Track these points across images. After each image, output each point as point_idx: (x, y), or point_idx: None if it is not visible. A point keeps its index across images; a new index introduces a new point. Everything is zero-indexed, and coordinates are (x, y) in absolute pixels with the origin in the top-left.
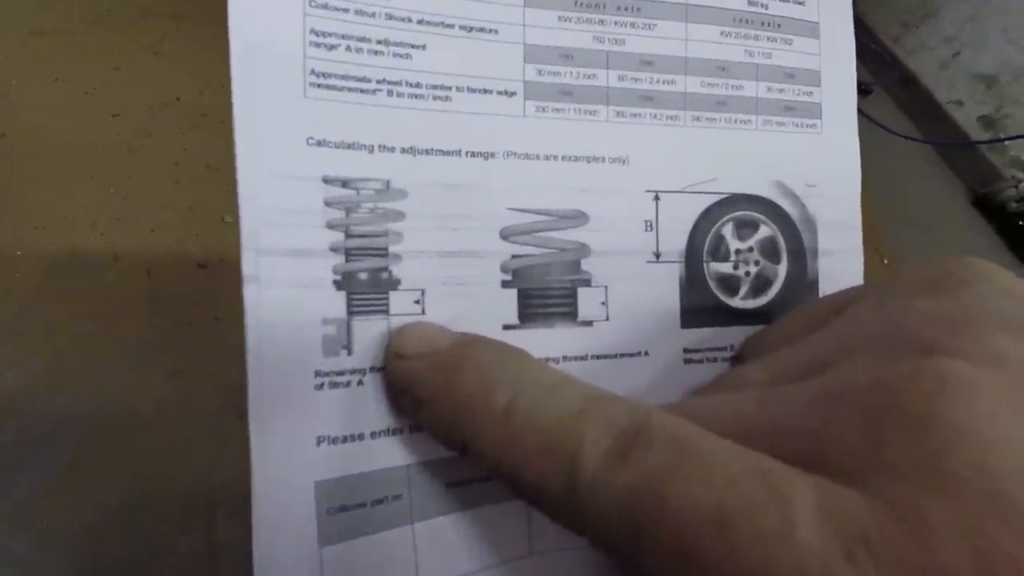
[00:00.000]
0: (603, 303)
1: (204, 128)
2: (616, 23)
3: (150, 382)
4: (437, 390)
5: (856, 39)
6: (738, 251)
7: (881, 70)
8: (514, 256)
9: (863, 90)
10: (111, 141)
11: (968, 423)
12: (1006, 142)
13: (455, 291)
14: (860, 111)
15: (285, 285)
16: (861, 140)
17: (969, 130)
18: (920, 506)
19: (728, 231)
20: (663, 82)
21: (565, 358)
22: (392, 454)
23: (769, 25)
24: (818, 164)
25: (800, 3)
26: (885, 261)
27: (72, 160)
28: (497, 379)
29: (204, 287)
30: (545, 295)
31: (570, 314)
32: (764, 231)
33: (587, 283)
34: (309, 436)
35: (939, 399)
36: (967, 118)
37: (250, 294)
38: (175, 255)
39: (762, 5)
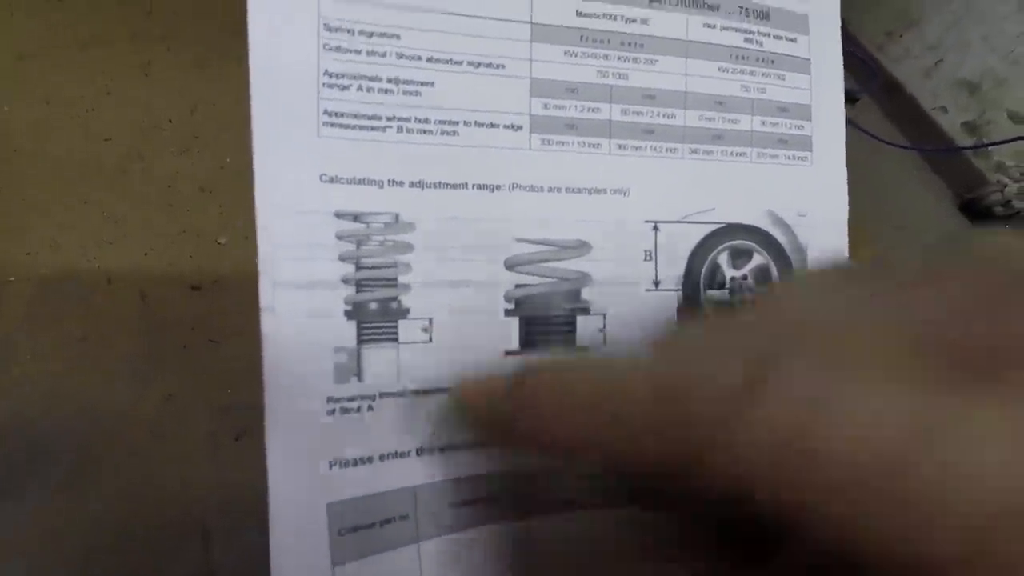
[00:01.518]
0: (601, 330)
1: (196, 150)
2: (620, 58)
3: (144, 406)
4: (514, 411)
5: (842, 49)
6: (733, 279)
7: (867, 78)
8: (517, 286)
9: (849, 98)
10: (102, 164)
11: None
12: (990, 148)
13: (460, 320)
14: (847, 119)
15: (299, 315)
16: (848, 147)
17: (954, 136)
18: None
19: (724, 260)
20: (663, 116)
21: None
22: (399, 476)
23: (764, 61)
24: (808, 194)
25: (792, 40)
26: None
27: (63, 184)
28: (572, 368)
29: (198, 310)
30: (546, 323)
31: (569, 340)
32: (757, 259)
33: (586, 311)
34: (322, 459)
35: None
36: (951, 124)
37: (267, 324)
38: (168, 278)
39: (757, 42)
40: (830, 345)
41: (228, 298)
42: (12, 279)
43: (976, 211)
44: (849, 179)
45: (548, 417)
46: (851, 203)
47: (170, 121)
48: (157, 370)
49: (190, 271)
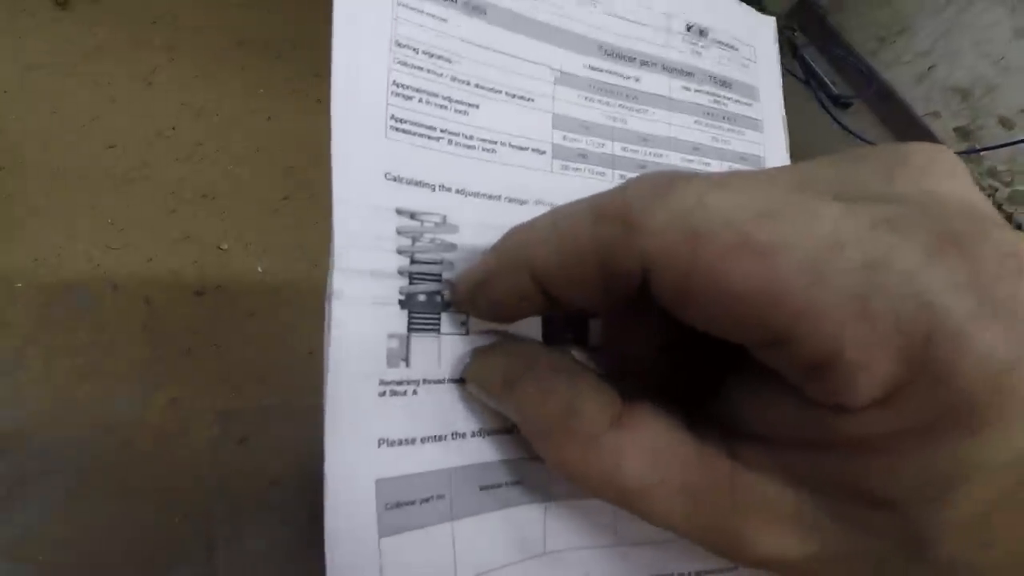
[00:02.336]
0: None
1: (199, 157)
2: (621, 107)
3: (149, 411)
4: (493, 258)
5: (834, 54)
6: None
7: (860, 84)
8: None
9: (843, 103)
10: (108, 172)
11: (954, 172)
12: (982, 152)
13: None
14: (840, 124)
15: (363, 301)
16: (840, 151)
17: (946, 141)
18: (925, 209)
19: None
20: (654, 155)
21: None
22: (437, 458)
23: (727, 119)
24: None
25: (748, 104)
26: None
27: (70, 192)
28: (535, 221)
29: (202, 315)
30: (564, 322)
31: (582, 337)
32: None
33: (597, 313)
34: (372, 438)
35: (934, 157)
36: (944, 129)
37: (337, 308)
38: (172, 284)
39: (723, 104)
40: (719, 177)
41: (231, 303)
42: (19, 285)
43: None
44: None
45: (521, 248)
46: None
47: (173, 129)
48: (162, 375)
49: (193, 277)
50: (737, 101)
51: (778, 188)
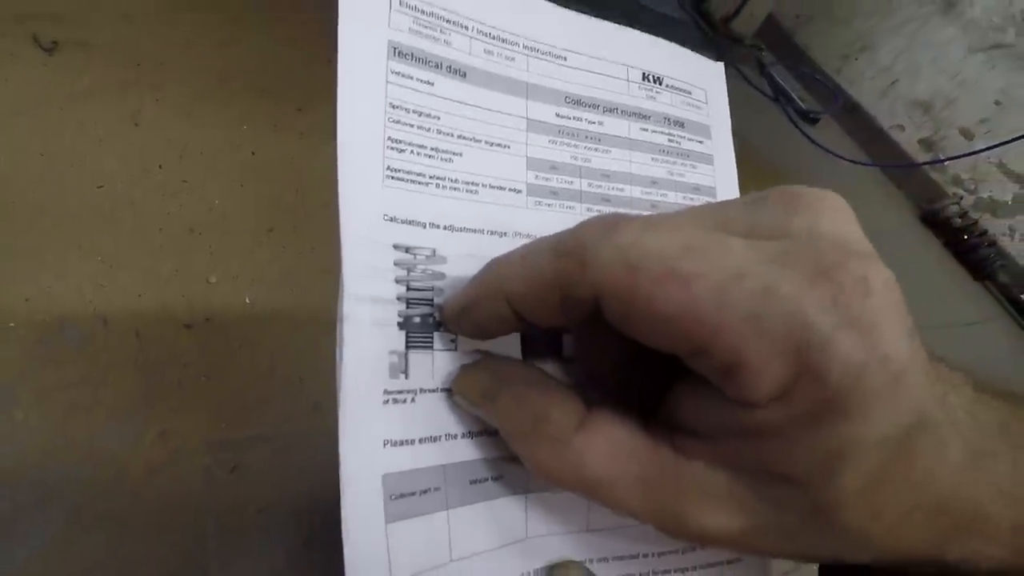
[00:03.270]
0: None
1: (185, 194)
2: (586, 148)
3: (141, 444)
4: (473, 288)
5: (801, 71)
6: None
7: (827, 100)
8: None
9: (811, 119)
10: (96, 211)
11: (835, 215)
12: (946, 163)
13: None
14: (809, 138)
15: (367, 323)
16: (812, 166)
17: (911, 152)
18: (808, 244)
19: None
20: (616, 189)
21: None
22: (433, 456)
23: (682, 155)
24: None
25: (700, 142)
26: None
27: (59, 231)
28: (510, 255)
29: (191, 347)
30: (540, 338)
31: (557, 351)
32: None
33: (568, 329)
34: (379, 439)
35: (820, 202)
36: (909, 141)
37: (347, 329)
38: (162, 317)
39: (677, 142)
40: (654, 220)
41: (219, 335)
42: (12, 325)
43: (936, 222)
44: None
45: (497, 279)
46: None
47: (160, 167)
48: (153, 408)
49: (182, 310)
50: (690, 139)
51: (699, 228)
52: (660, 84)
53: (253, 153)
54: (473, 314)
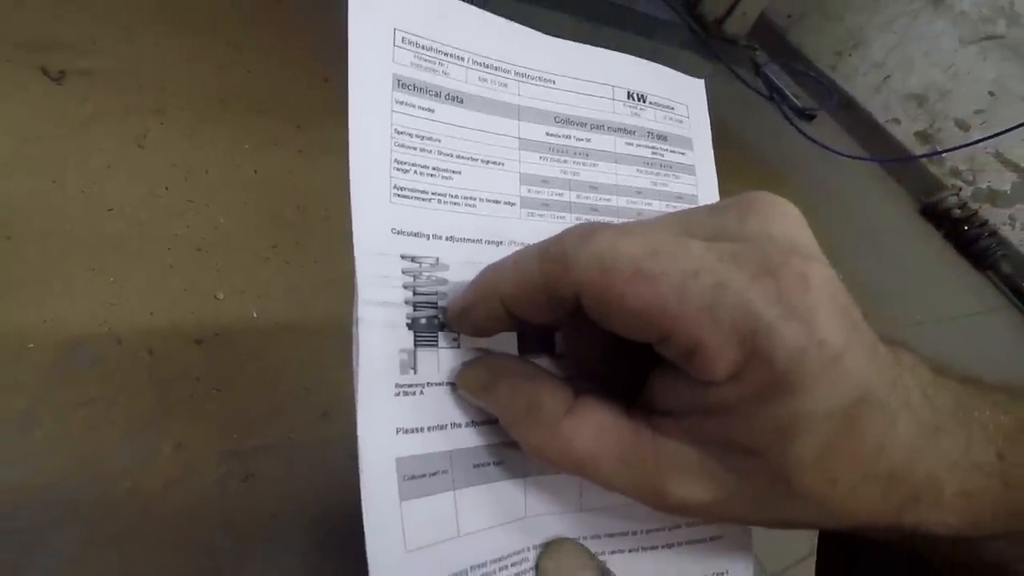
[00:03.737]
0: None
1: (191, 214)
2: (574, 162)
3: (157, 456)
4: (471, 291)
5: (796, 69)
6: None
7: (822, 96)
8: None
9: (808, 115)
10: (107, 234)
11: (784, 219)
12: (943, 154)
13: None
14: (805, 135)
15: (379, 325)
16: (810, 163)
17: (908, 145)
18: (757, 245)
19: None
20: (603, 200)
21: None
22: (440, 442)
23: (665, 166)
24: None
25: (682, 154)
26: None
27: (73, 255)
28: (503, 259)
29: (202, 362)
30: (535, 336)
31: (550, 348)
32: None
33: (559, 327)
34: (392, 427)
35: (770, 207)
36: (905, 134)
37: (362, 330)
38: (173, 334)
39: (660, 154)
40: (627, 227)
41: (228, 349)
42: (31, 346)
43: (935, 214)
44: (814, 193)
45: (492, 283)
46: (818, 214)
47: (166, 188)
48: (167, 422)
49: (192, 326)
50: (673, 151)
51: (666, 233)
52: (644, 101)
53: (255, 171)
54: (472, 315)
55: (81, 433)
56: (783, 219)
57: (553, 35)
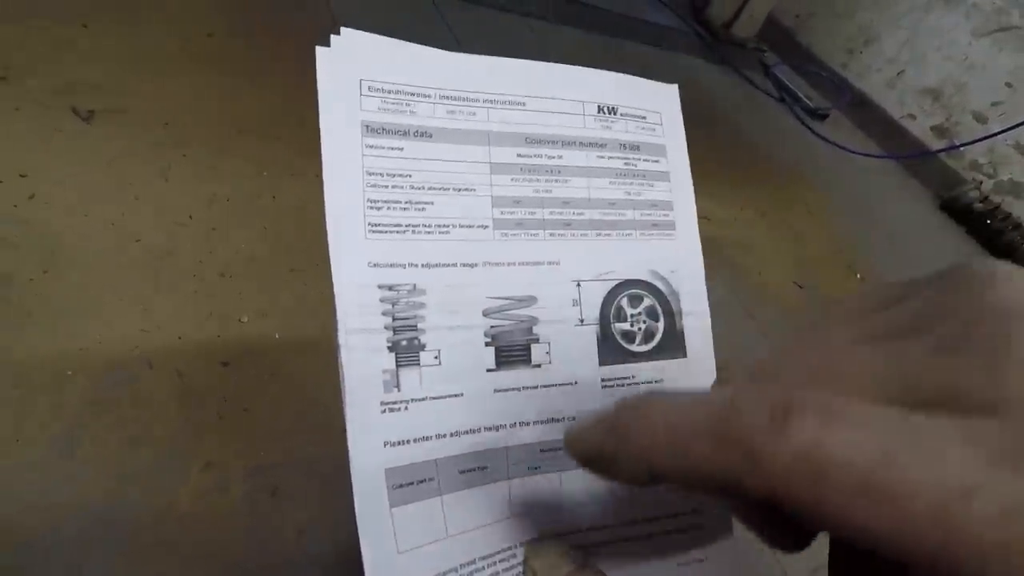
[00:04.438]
0: (547, 353)
1: (215, 241)
2: (546, 180)
3: (189, 473)
4: (616, 447)
5: (807, 69)
6: (632, 315)
7: (834, 95)
8: (492, 326)
9: (820, 115)
10: (137, 264)
11: None
12: (962, 148)
13: (457, 349)
14: (819, 135)
15: (360, 349)
16: (826, 163)
17: (925, 140)
18: None
19: (625, 303)
20: (576, 214)
21: (525, 387)
22: (426, 452)
23: (638, 176)
24: (675, 258)
25: (656, 161)
26: (859, 276)
27: (105, 285)
28: (651, 411)
29: (229, 382)
30: (511, 350)
31: (526, 360)
32: (647, 301)
33: (536, 340)
34: (380, 441)
35: None
36: (921, 129)
37: (344, 355)
38: (201, 357)
39: (633, 164)
40: (833, 406)
41: (253, 369)
42: (69, 373)
43: (957, 209)
44: (831, 193)
45: (640, 449)
46: (837, 215)
47: (190, 217)
48: (197, 441)
49: (219, 349)
50: (646, 160)
51: (889, 420)
52: (615, 114)
53: (274, 197)
54: (605, 469)
55: (117, 453)
56: None
57: (564, 49)
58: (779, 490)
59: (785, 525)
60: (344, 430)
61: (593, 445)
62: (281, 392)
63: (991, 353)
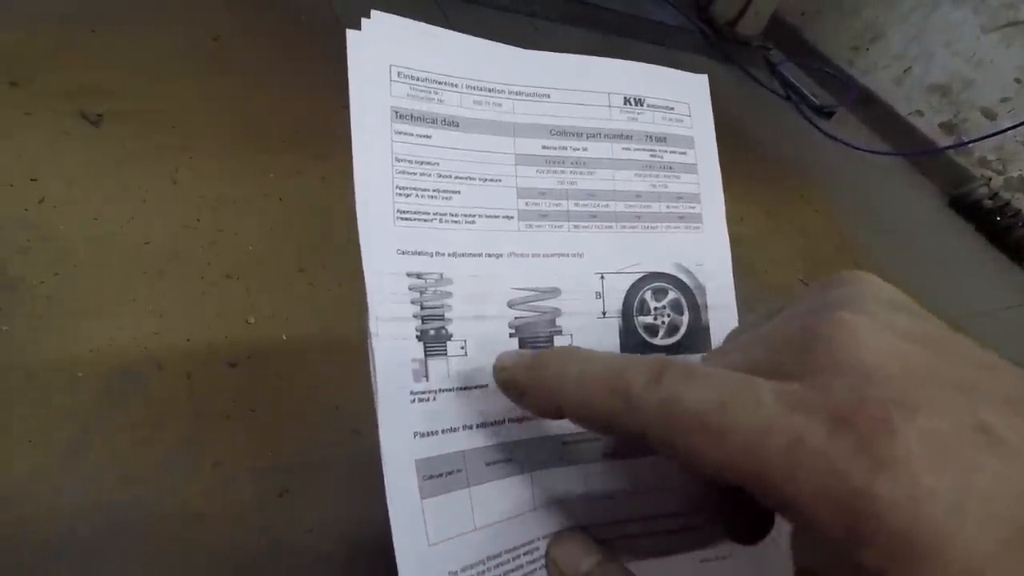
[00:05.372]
0: (570, 344)
1: (221, 243)
2: (571, 172)
3: (199, 473)
4: (531, 382)
5: (813, 67)
6: (656, 308)
7: (840, 92)
8: (516, 317)
9: (827, 113)
10: (145, 266)
11: (851, 341)
12: (970, 145)
13: (482, 340)
14: (825, 133)
15: (390, 338)
16: (833, 161)
17: (933, 137)
18: (828, 385)
19: (648, 296)
20: (601, 206)
21: None
22: (453, 444)
23: (665, 168)
24: (702, 251)
25: (683, 153)
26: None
27: (114, 287)
28: (567, 363)
29: (237, 383)
30: (535, 342)
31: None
32: (672, 295)
33: (559, 333)
34: (410, 432)
35: (838, 330)
36: (929, 126)
37: (376, 344)
38: (209, 358)
39: (659, 156)
40: (694, 369)
41: (261, 370)
42: (80, 375)
43: (966, 206)
44: (839, 191)
45: (551, 388)
46: (845, 213)
47: (198, 220)
48: (206, 441)
49: (226, 350)
50: (673, 152)
51: (735, 377)
52: (641, 105)
53: (280, 199)
54: (524, 399)
55: (129, 454)
56: (850, 338)
57: (568, 49)
58: (647, 431)
59: (740, 516)
60: (355, 429)
61: (511, 375)
62: (288, 393)
63: (811, 334)
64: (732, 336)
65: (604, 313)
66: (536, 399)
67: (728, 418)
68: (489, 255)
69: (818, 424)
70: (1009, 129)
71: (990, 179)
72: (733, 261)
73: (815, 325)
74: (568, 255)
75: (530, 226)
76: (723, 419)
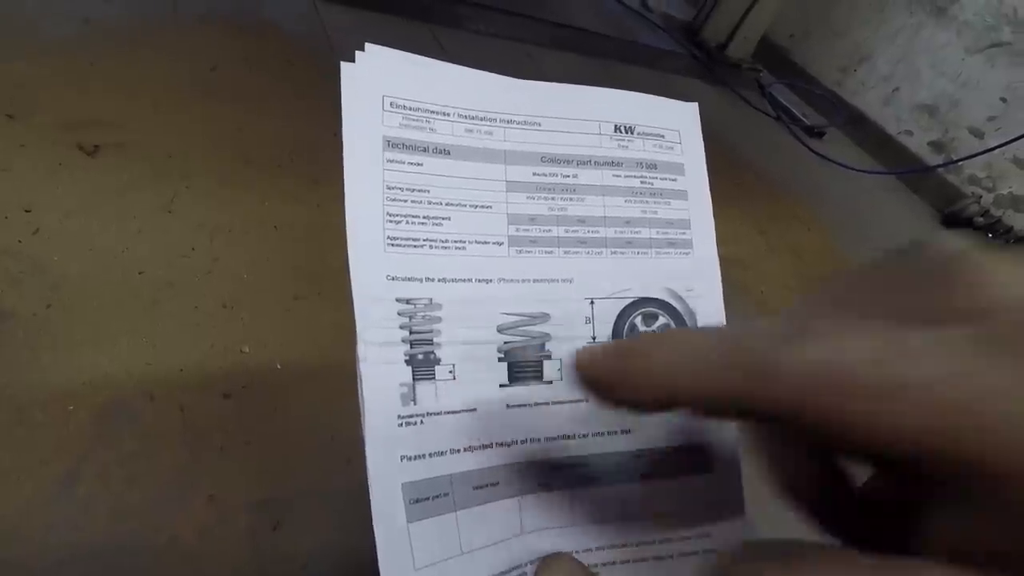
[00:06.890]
0: (559, 369)
1: (217, 272)
2: (561, 198)
3: (191, 507)
4: (631, 370)
5: (802, 88)
6: (644, 333)
7: (830, 113)
8: (505, 342)
9: (817, 133)
10: (139, 296)
11: (997, 279)
12: (960, 163)
13: (471, 365)
14: (816, 153)
15: (379, 362)
16: (825, 181)
17: (923, 156)
18: (997, 326)
19: (639, 321)
20: (591, 232)
21: (536, 403)
22: (441, 467)
23: (655, 194)
24: (692, 276)
25: (674, 179)
26: None
27: (108, 319)
28: (671, 345)
29: (231, 414)
30: (524, 366)
31: (538, 376)
32: (662, 320)
33: (548, 357)
34: (397, 455)
35: (977, 269)
36: (919, 145)
37: (364, 368)
38: (203, 389)
39: (649, 183)
40: (832, 322)
41: (256, 401)
42: (71, 408)
43: (958, 223)
44: (831, 210)
45: (649, 370)
46: (838, 232)
47: (193, 249)
48: (199, 475)
49: (221, 381)
50: (663, 178)
51: (878, 334)
52: (632, 133)
53: (275, 227)
54: (619, 394)
55: (121, 488)
56: (993, 276)
57: (562, 73)
58: (798, 406)
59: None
60: (349, 459)
61: (604, 367)
62: (283, 424)
63: (949, 276)
64: (803, 303)
65: (594, 338)
66: (638, 389)
67: (895, 372)
68: (479, 280)
69: (1008, 368)
70: (997, 148)
71: (981, 196)
72: (726, 280)
73: (948, 266)
74: (558, 280)
75: (520, 252)
76: (890, 373)
